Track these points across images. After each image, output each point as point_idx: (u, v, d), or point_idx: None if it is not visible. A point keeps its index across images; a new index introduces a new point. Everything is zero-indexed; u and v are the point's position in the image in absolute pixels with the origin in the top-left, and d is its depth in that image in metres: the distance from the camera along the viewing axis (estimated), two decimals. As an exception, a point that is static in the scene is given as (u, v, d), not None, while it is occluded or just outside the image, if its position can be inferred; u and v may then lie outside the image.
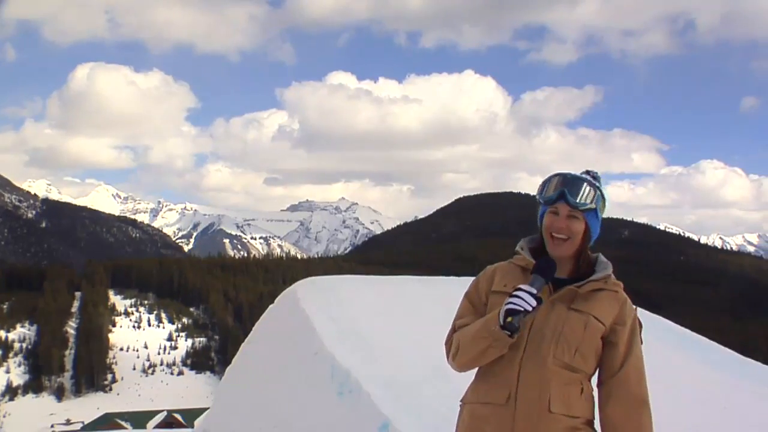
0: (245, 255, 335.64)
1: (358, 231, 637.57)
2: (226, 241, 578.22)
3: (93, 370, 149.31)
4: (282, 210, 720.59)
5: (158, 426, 73.40)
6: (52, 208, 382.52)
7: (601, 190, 2.80)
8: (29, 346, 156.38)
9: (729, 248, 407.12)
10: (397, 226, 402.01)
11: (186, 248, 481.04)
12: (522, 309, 2.54)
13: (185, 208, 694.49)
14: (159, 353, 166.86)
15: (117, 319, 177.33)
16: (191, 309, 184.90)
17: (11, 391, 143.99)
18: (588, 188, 2.75)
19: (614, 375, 2.70)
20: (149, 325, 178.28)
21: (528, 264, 2.75)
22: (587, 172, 2.86)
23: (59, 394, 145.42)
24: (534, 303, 2.56)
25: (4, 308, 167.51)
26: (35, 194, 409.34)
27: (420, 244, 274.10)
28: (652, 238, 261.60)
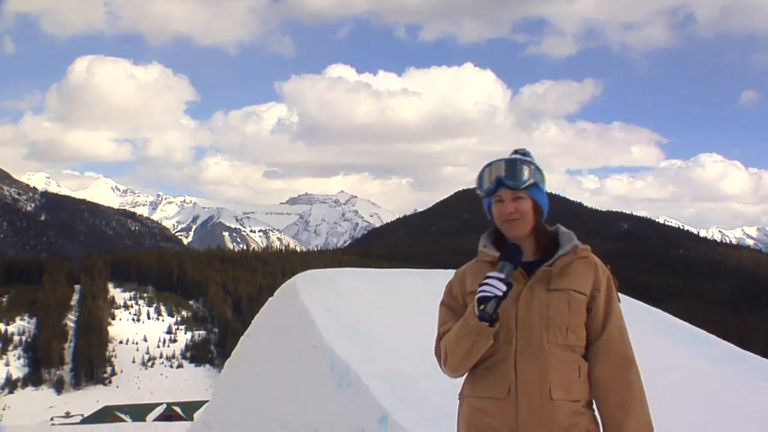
0: (244, 248, 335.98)
1: (357, 224, 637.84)
2: (226, 234, 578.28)
3: (92, 363, 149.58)
4: (281, 203, 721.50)
5: (158, 419, 73.40)
6: (52, 201, 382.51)
7: (534, 164, 2.79)
8: (29, 339, 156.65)
9: (728, 241, 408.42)
10: (397, 219, 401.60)
11: (185, 241, 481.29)
12: (492, 294, 2.54)
13: (184, 201, 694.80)
14: (158, 346, 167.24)
15: (116, 311, 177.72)
16: (190, 302, 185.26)
17: (11, 384, 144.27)
18: (522, 166, 2.74)
19: (598, 338, 2.70)
20: (148, 317, 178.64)
21: (494, 258, 2.73)
22: (516, 152, 2.85)
23: (59, 386, 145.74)
24: (504, 287, 2.55)
25: (4, 301, 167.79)
26: (34, 187, 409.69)
27: (419, 237, 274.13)
28: (652, 231, 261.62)
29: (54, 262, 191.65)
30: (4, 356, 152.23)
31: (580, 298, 2.69)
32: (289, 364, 7.12)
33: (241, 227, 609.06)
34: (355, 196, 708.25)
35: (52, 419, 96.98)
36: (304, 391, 6.60)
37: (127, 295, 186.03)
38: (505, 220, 2.74)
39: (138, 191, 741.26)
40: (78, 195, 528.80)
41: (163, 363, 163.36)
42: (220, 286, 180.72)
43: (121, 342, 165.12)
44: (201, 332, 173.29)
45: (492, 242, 2.84)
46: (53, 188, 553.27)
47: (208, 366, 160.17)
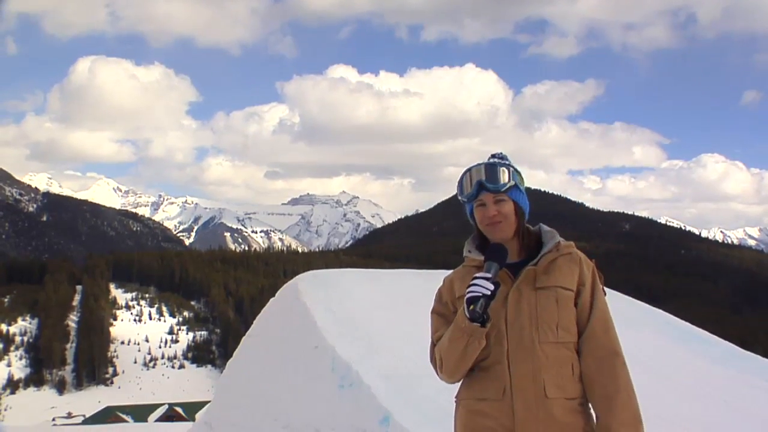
0: (246, 248, 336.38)
1: (359, 224, 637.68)
2: (227, 234, 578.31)
3: (94, 364, 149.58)
4: (283, 203, 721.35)
5: (159, 419, 73.44)
6: (53, 202, 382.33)
7: (513, 166, 2.83)
8: (30, 340, 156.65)
9: (730, 242, 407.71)
10: (398, 219, 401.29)
11: (187, 242, 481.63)
12: (480, 294, 2.57)
13: (186, 201, 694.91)
14: (160, 347, 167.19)
15: (118, 312, 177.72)
16: (192, 302, 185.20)
17: (12, 385, 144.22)
18: (501, 169, 2.77)
19: (582, 331, 2.71)
20: (150, 318, 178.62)
21: (480, 263, 2.74)
22: (493, 156, 2.88)
23: (60, 387, 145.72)
24: (491, 287, 2.58)
25: (6, 301, 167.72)
26: (36, 188, 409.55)
27: (421, 238, 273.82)
28: (653, 231, 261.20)
29: (56, 262, 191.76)
30: (6, 357, 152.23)
31: (567, 295, 2.71)
32: (290, 364, 7.13)
33: (242, 228, 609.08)
34: (357, 197, 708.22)
35: (53, 420, 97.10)
36: (306, 392, 6.61)
37: (129, 295, 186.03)
38: (488, 224, 2.77)
39: (140, 192, 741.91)
40: (80, 196, 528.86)
41: (164, 363, 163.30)
42: (221, 287, 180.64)
43: (122, 342, 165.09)
44: (202, 333, 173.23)
45: (476, 247, 2.85)
46: (55, 189, 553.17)
47: (209, 366, 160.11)
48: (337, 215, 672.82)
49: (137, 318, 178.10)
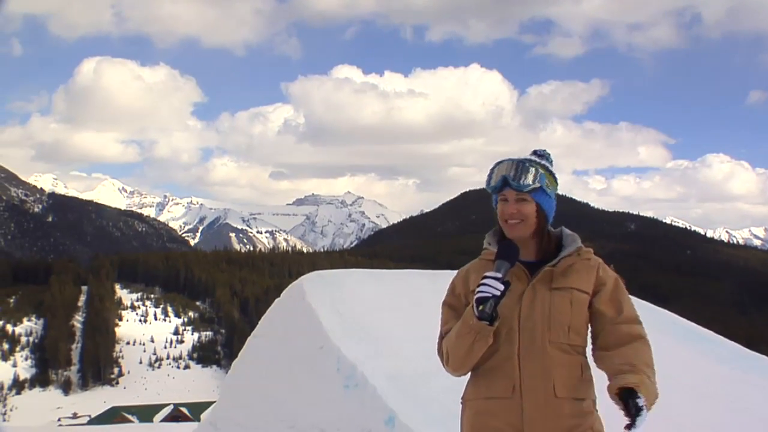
0: (251, 249, 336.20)
1: (363, 225, 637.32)
2: (232, 235, 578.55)
3: (99, 364, 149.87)
4: (288, 204, 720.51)
5: (165, 419, 73.57)
6: (59, 203, 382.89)
7: (546, 168, 2.80)
8: (36, 340, 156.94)
9: (735, 242, 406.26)
10: (403, 219, 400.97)
11: (192, 242, 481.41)
12: (490, 294, 2.57)
13: (191, 202, 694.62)
14: (165, 347, 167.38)
15: (123, 312, 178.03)
16: (197, 303, 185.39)
17: (18, 385, 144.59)
18: (530, 169, 2.75)
19: (614, 320, 2.73)
20: (155, 318, 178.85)
21: None
22: (534, 153, 2.85)
23: (66, 387, 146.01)
24: (501, 287, 2.58)
25: (11, 302, 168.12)
26: (42, 188, 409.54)
27: (426, 238, 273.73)
28: (659, 231, 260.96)
29: (61, 263, 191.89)
30: (12, 357, 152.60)
31: (582, 297, 2.72)
32: (296, 364, 7.14)
33: (247, 228, 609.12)
34: (362, 197, 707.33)
35: (59, 420, 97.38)
36: (311, 392, 6.61)
37: (134, 296, 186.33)
38: (505, 221, 2.77)
39: (145, 192, 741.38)
40: (85, 196, 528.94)
41: (170, 364, 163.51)
42: (227, 287, 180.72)
43: (128, 343, 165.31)
44: (208, 333, 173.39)
45: (497, 241, 2.85)
46: (60, 189, 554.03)
47: (215, 367, 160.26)
48: (342, 215, 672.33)
49: (142, 318, 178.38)
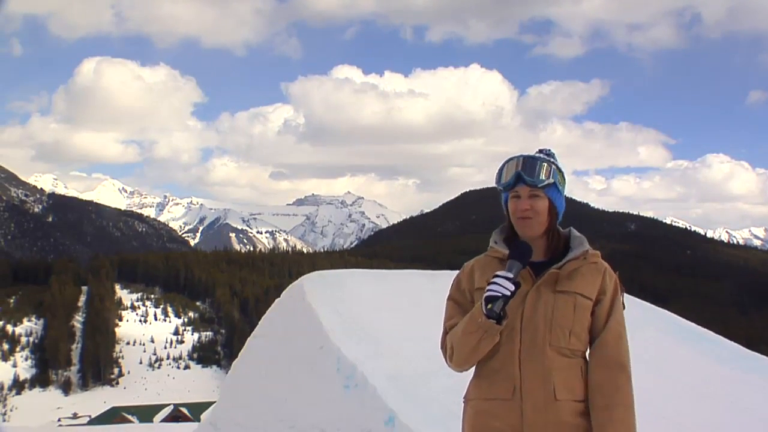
0: (251, 249, 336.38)
1: (363, 225, 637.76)
2: (232, 235, 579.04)
3: (100, 364, 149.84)
4: (288, 204, 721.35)
5: (165, 420, 73.50)
6: (59, 203, 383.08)
7: (556, 165, 2.81)
8: (36, 340, 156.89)
9: (735, 242, 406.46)
10: (403, 220, 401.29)
11: (192, 242, 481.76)
12: (500, 294, 2.56)
13: (191, 202, 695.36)
14: (165, 347, 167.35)
15: (123, 313, 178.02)
16: (197, 303, 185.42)
17: (18, 385, 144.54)
18: (543, 165, 2.76)
19: (594, 340, 2.71)
20: (155, 319, 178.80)
21: (504, 255, 2.74)
22: (540, 151, 2.86)
23: (66, 387, 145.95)
24: (511, 287, 2.57)
25: (11, 302, 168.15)
26: (42, 189, 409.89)
27: (426, 238, 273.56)
28: (659, 232, 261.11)
29: (61, 263, 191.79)
30: (12, 357, 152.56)
31: (585, 303, 2.70)
32: (296, 365, 7.14)
33: (247, 228, 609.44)
34: (362, 197, 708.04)
35: (59, 420, 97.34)
36: (311, 392, 6.62)
37: (134, 296, 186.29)
38: (519, 217, 2.75)
39: (145, 192, 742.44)
40: (85, 196, 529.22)
41: (170, 364, 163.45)
42: (227, 287, 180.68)
43: (128, 343, 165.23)
44: (208, 333, 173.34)
45: (504, 240, 2.84)
46: (60, 190, 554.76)
47: (215, 367, 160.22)
48: (342, 216, 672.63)
49: (143, 318, 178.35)
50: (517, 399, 2.65)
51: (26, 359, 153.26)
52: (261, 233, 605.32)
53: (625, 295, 2.82)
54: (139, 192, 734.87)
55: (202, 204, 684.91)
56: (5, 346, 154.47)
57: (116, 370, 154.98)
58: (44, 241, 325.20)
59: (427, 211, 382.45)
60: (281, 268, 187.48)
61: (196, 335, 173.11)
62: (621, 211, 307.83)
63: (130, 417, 78.85)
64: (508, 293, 2.57)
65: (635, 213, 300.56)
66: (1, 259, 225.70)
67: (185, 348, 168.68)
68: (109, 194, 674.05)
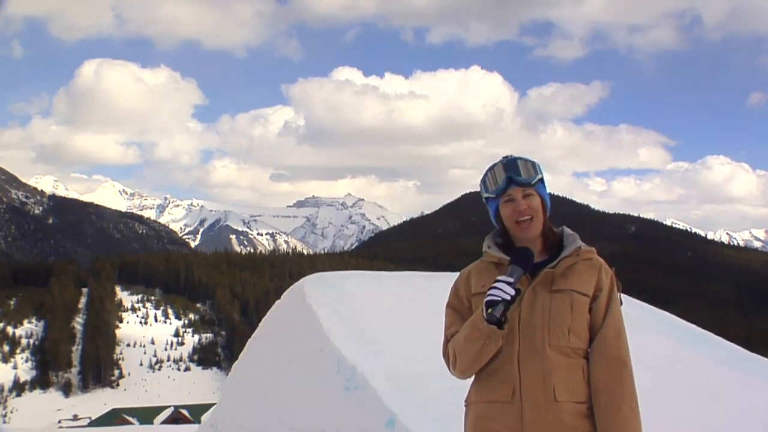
0: (251, 251, 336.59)
1: (364, 227, 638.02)
2: (233, 236, 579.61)
3: (100, 366, 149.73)
4: (288, 206, 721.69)
5: (165, 421, 73.33)
6: (59, 205, 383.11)
7: (534, 161, 2.81)
8: (36, 342, 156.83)
9: (736, 244, 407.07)
10: (403, 221, 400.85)
11: (192, 244, 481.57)
12: (500, 299, 2.55)
13: (192, 204, 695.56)
14: (166, 349, 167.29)
15: (124, 314, 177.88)
16: (198, 305, 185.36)
17: (18, 387, 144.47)
18: (527, 163, 2.77)
19: (593, 338, 2.69)
20: (156, 320, 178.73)
21: (501, 260, 2.74)
22: (505, 157, 2.84)
23: (66, 389, 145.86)
24: (512, 292, 2.56)
25: (12, 304, 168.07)
26: (42, 190, 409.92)
27: (426, 240, 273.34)
28: (659, 233, 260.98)
29: (62, 265, 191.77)
30: (12, 359, 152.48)
31: (582, 300, 2.69)
32: (296, 366, 7.14)
33: (248, 230, 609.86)
34: (362, 199, 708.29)
35: (59, 422, 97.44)
36: (312, 394, 6.62)
37: (135, 297, 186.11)
38: (518, 220, 2.74)
39: (145, 194, 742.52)
40: (86, 198, 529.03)
41: (170, 366, 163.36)
42: (227, 289, 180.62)
43: (128, 345, 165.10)
44: (208, 335, 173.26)
45: (497, 244, 2.83)
46: (61, 191, 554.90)
47: (215, 369, 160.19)
48: (342, 217, 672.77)
49: (143, 320, 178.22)
50: (517, 401, 2.63)
51: (26, 361, 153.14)
52: (261, 235, 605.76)
53: (623, 295, 2.81)
54: (140, 194, 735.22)
55: (202, 206, 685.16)
56: (5, 348, 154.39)
57: (116, 372, 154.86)
58: (45, 242, 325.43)
59: (428, 212, 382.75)
60: (281, 270, 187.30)
61: (196, 337, 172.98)
62: (621, 212, 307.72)
63: (130, 419, 78.69)
64: (509, 297, 2.56)
65: (635, 215, 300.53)
66: (2, 260, 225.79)
67: (186, 350, 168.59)
68: (109, 196, 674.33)
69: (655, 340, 7.93)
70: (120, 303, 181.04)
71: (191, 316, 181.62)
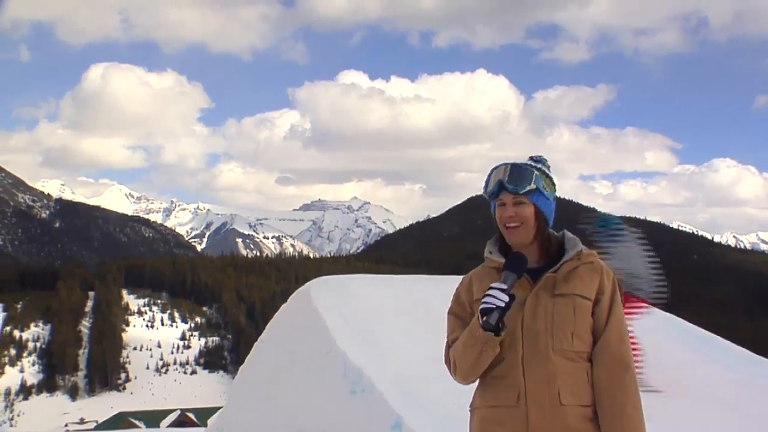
0: (258, 254, 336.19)
1: (370, 230, 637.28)
2: (239, 240, 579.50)
3: (106, 369, 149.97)
4: (294, 209, 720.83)
5: (171, 425, 73.42)
6: (66, 208, 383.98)
7: (541, 170, 2.79)
8: (43, 345, 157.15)
9: (743, 247, 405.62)
10: (410, 225, 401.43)
11: (199, 248, 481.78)
12: (494, 306, 2.56)
13: (198, 207, 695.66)
14: (172, 352, 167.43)
15: (130, 318, 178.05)
16: (204, 308, 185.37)
17: (25, 390, 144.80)
18: (525, 171, 2.74)
19: (597, 340, 2.69)
20: (162, 324, 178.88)
21: (500, 264, 2.74)
22: (531, 158, 2.85)
23: (73, 393, 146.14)
24: (506, 298, 2.57)
25: (18, 307, 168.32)
26: (49, 194, 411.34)
27: (432, 243, 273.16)
28: (665, 236, 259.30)
29: (68, 268, 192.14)
30: (19, 362, 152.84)
31: (585, 303, 2.69)
32: (302, 369, 7.14)
33: (254, 233, 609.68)
34: (368, 202, 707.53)
35: (66, 425, 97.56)
36: (318, 397, 6.62)
37: (141, 301, 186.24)
38: (505, 225, 2.74)
39: (152, 198, 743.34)
40: (92, 202, 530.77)
41: (176, 369, 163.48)
42: (233, 293, 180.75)
43: (135, 348, 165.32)
44: (215, 338, 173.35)
45: (498, 249, 2.83)
46: (68, 195, 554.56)
47: (221, 372, 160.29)
48: (348, 221, 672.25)
49: (149, 324, 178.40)
50: (522, 405, 2.63)
51: (33, 364, 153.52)
52: (267, 238, 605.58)
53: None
54: (146, 197, 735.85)
55: (208, 209, 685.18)
56: (12, 352, 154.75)
57: (123, 376, 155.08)
58: (51, 246, 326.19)
59: (434, 215, 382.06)
60: (288, 273, 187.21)
61: (202, 340, 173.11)
62: (627, 215, 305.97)
63: (136, 422, 78.79)
64: (503, 305, 2.56)
65: (642, 218, 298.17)
66: (9, 264, 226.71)
67: (192, 353, 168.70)
68: (116, 200, 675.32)
69: (662, 343, 7.91)
70: (126, 306, 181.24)
71: (197, 319, 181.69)
